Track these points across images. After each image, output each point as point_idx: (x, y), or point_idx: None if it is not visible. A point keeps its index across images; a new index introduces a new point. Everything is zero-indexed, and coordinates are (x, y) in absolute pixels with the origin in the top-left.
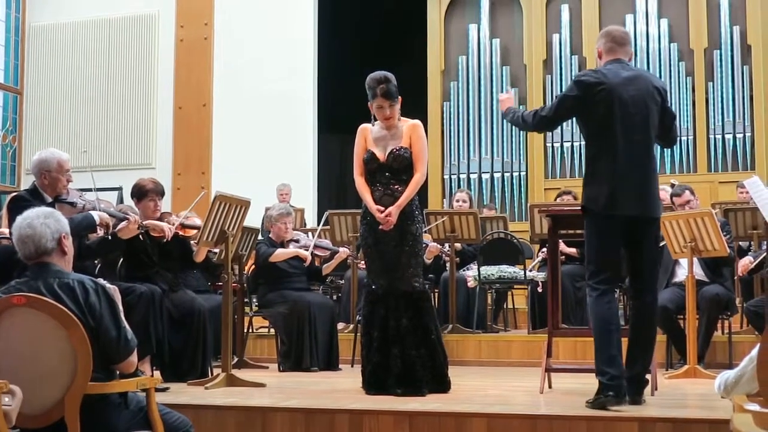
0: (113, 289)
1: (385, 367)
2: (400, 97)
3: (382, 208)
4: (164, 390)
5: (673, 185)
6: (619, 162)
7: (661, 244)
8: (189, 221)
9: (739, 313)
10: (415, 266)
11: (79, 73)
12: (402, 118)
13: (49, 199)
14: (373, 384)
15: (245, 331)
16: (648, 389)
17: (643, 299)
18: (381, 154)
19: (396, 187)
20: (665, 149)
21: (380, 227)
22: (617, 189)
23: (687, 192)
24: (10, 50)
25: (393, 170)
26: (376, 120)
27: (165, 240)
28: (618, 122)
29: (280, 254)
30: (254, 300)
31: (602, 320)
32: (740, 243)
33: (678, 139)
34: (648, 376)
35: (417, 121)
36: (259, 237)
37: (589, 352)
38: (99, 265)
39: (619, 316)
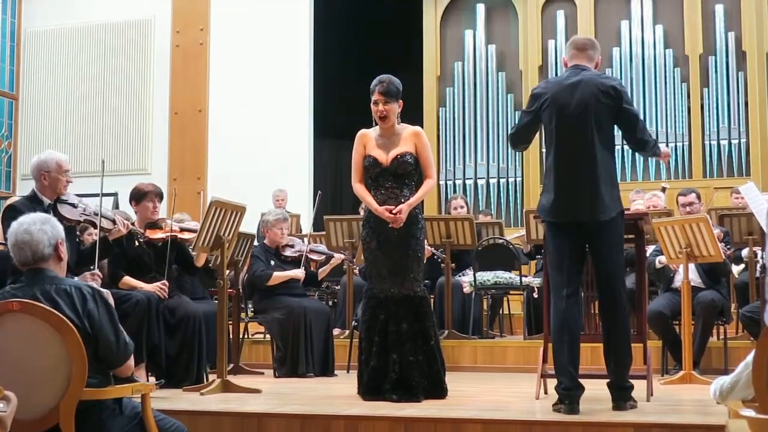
0: (107, 294)
1: (383, 373)
2: (401, 101)
3: (391, 207)
4: (160, 384)
5: (663, 189)
6: (559, 169)
7: (655, 249)
8: (185, 225)
9: (735, 319)
10: (417, 271)
11: (75, 79)
12: (402, 123)
13: (48, 203)
14: (369, 389)
15: (241, 336)
16: (643, 395)
17: (606, 306)
18: (383, 159)
19: (398, 191)
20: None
21: (390, 225)
22: (559, 196)
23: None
24: (5, 56)
25: (396, 175)
26: (376, 124)
27: (160, 243)
28: (558, 130)
29: (276, 278)
30: (250, 306)
31: (555, 329)
32: (735, 250)
33: (655, 143)
34: (633, 382)
35: (419, 128)
36: (255, 243)
37: (585, 358)
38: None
39: (577, 324)
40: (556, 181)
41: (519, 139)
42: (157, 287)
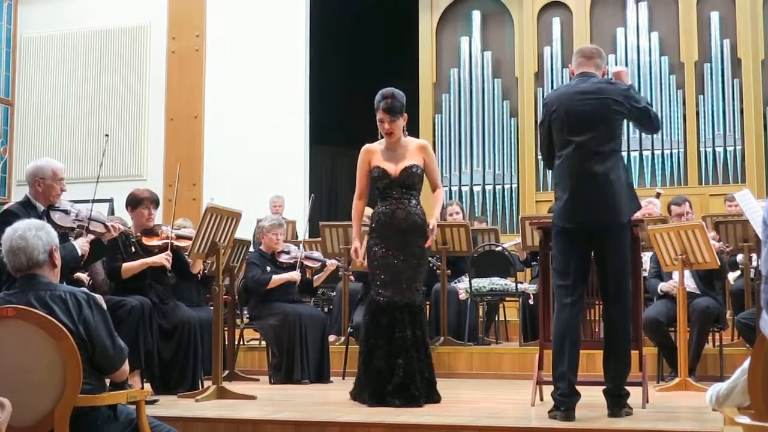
0: (99, 299)
1: (386, 377)
2: (405, 114)
3: (358, 245)
4: (154, 402)
5: (658, 195)
6: (570, 176)
7: (649, 254)
8: (182, 232)
9: (730, 325)
10: (419, 280)
11: (71, 85)
12: (408, 137)
13: (42, 209)
14: (373, 393)
15: (236, 343)
16: (639, 402)
17: (609, 310)
18: (392, 170)
19: (406, 201)
20: (656, 162)
21: (426, 243)
22: (571, 202)
23: (686, 204)
24: (1, 61)
25: (404, 186)
26: (381, 137)
27: (156, 250)
28: (568, 135)
29: (275, 281)
30: (245, 312)
31: (557, 334)
32: (730, 256)
33: (661, 125)
34: (628, 388)
35: (425, 141)
36: (251, 249)
37: (581, 365)
38: (90, 281)
39: (578, 331)
40: (568, 186)
41: (544, 153)
42: (163, 258)
